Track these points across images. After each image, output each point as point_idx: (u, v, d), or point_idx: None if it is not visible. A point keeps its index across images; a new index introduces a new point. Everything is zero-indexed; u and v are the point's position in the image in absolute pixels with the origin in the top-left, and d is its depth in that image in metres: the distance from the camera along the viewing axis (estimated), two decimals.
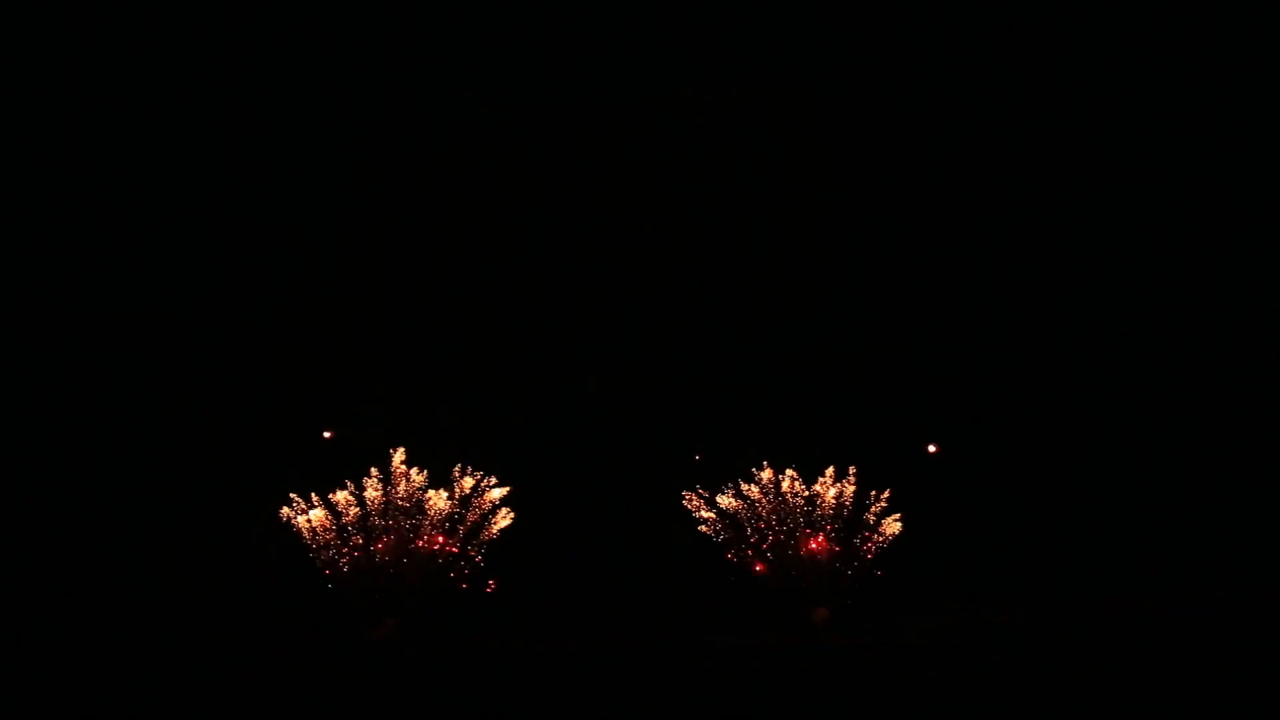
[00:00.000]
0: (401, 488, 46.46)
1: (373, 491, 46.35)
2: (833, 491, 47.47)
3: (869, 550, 47.81)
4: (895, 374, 52.47)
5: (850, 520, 47.58)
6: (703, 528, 47.95)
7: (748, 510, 47.84)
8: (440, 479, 47.26)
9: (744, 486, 47.40)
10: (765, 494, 47.55)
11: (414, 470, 46.54)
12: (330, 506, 45.62)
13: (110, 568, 45.30)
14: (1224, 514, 44.70)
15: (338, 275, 54.12)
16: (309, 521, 45.53)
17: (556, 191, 57.69)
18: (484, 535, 47.05)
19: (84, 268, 48.77)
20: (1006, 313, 52.06)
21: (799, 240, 55.41)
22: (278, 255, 52.93)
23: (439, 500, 46.14)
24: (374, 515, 46.08)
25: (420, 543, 45.70)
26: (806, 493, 47.37)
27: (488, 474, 47.74)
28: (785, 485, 47.73)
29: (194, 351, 50.13)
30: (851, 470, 47.01)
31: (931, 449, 50.25)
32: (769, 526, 47.76)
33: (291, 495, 45.31)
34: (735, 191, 56.09)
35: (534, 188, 57.58)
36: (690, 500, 47.79)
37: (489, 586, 47.27)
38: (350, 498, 46.05)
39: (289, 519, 45.22)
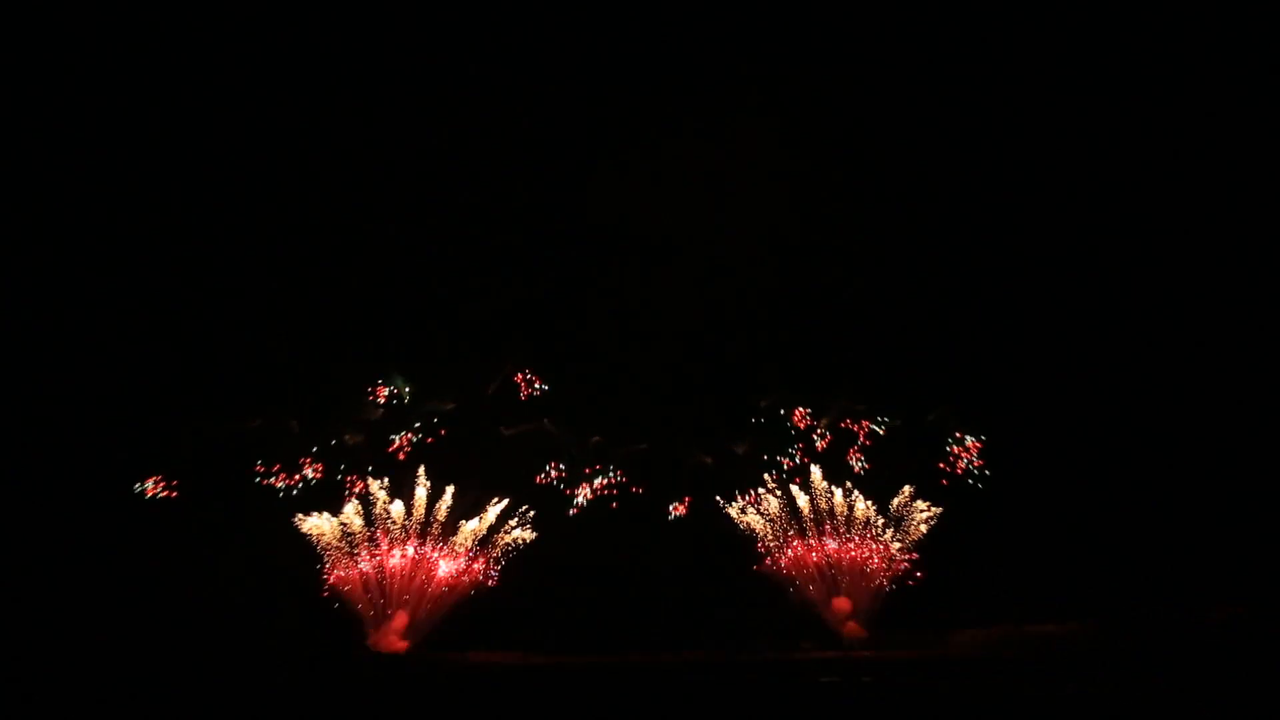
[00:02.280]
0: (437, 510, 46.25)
1: (389, 509, 45.99)
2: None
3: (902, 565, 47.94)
4: (904, 376, 52.21)
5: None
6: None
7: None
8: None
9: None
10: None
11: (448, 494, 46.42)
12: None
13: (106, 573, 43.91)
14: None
15: (336, 276, 53.19)
16: (319, 529, 45.10)
17: (559, 195, 57.00)
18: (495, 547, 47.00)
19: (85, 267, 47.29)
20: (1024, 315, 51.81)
21: (805, 245, 54.80)
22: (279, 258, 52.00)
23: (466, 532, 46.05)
24: (387, 532, 45.67)
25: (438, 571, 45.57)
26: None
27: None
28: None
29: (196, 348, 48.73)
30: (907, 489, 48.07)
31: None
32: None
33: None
34: (740, 190, 55.55)
35: (535, 189, 56.86)
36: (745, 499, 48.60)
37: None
38: (358, 511, 45.51)
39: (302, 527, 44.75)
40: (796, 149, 53.51)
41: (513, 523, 47.41)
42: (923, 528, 47.47)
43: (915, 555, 47.46)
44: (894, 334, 52.16)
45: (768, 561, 48.57)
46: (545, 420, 51.28)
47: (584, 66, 54.08)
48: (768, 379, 52.56)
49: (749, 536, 49.30)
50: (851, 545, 47.83)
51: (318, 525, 44.55)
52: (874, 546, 47.70)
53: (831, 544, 48.05)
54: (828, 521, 48.31)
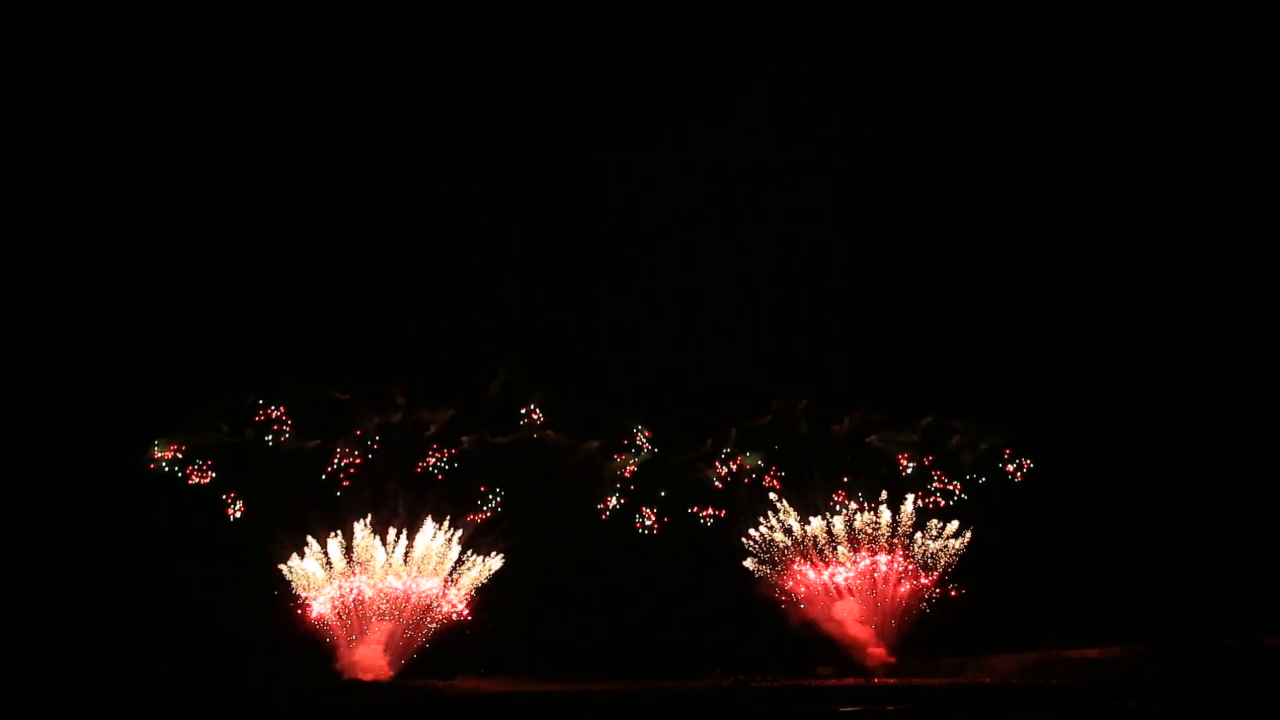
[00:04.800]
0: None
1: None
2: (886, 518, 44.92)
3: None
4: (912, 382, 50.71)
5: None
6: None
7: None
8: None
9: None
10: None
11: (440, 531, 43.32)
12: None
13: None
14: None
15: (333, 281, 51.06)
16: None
17: (558, 197, 55.29)
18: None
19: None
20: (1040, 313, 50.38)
21: (819, 254, 53.29)
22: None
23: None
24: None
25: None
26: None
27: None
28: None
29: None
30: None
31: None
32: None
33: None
34: (751, 187, 54.02)
35: (533, 190, 55.16)
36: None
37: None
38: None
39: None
40: (808, 147, 52.23)
41: (483, 561, 44.56)
42: (956, 543, 44.37)
43: (944, 575, 44.49)
44: (919, 340, 49.94)
45: (776, 579, 45.64)
46: (548, 431, 48.68)
47: (583, 66, 52.62)
48: (776, 387, 50.42)
49: (756, 553, 46.73)
50: (872, 563, 44.72)
51: (301, 571, 42.10)
52: (898, 565, 44.51)
53: (849, 561, 44.95)
54: (846, 538, 45.21)
